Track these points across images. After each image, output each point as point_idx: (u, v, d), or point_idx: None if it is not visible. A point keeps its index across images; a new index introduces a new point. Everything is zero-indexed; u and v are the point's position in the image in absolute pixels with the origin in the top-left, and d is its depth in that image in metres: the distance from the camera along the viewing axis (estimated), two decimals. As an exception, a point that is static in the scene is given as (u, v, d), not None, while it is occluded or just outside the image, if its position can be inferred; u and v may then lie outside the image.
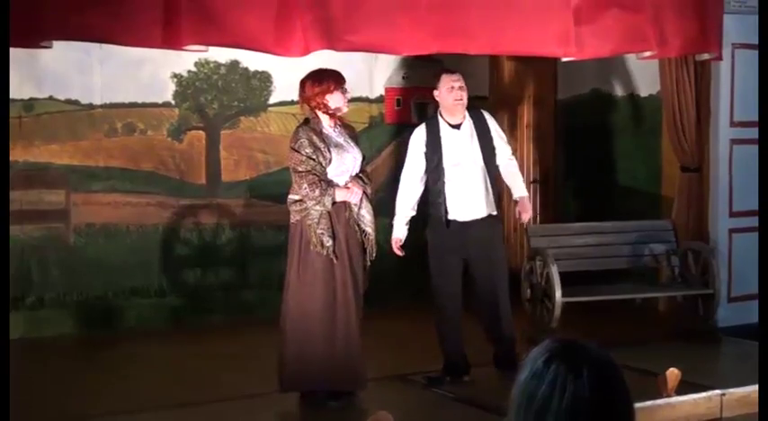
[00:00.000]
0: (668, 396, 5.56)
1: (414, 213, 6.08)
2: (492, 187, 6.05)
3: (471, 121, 6.07)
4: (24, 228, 7.42)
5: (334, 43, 5.75)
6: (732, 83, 7.57)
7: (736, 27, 7.39)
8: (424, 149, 6.03)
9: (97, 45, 6.93)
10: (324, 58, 6.00)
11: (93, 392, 6.09)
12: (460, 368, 6.18)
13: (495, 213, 6.09)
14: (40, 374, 6.49)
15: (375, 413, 4.82)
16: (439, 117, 6.09)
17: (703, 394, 5.61)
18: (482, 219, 6.03)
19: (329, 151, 5.58)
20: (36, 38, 5.42)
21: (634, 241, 7.89)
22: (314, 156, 5.54)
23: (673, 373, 5.58)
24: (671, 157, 8.05)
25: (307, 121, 5.72)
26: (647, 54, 6.90)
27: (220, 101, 8.24)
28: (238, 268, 8.34)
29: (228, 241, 8.31)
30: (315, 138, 5.58)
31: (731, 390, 5.63)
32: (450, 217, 5.99)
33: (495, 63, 9.18)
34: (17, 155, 7.37)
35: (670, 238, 7.85)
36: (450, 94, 5.98)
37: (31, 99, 7.53)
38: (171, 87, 8.04)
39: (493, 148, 6.10)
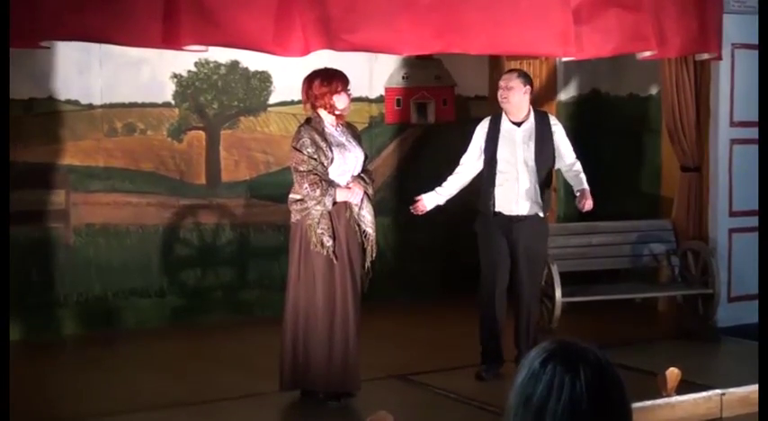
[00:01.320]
0: (668, 396, 5.56)
1: (450, 195, 6.23)
2: (541, 189, 6.17)
3: (534, 122, 6.22)
4: (24, 228, 7.41)
5: (333, 43, 5.75)
6: (732, 83, 7.57)
7: (736, 27, 7.39)
8: (483, 140, 6.22)
9: (97, 45, 6.92)
10: (323, 58, 6.00)
11: (94, 392, 6.10)
12: (496, 358, 6.21)
13: (541, 215, 6.22)
14: (40, 375, 6.49)
15: (375, 413, 4.82)
16: (503, 113, 6.24)
17: (703, 394, 5.61)
18: (527, 216, 6.16)
19: (331, 151, 5.57)
20: (35, 38, 5.42)
21: (634, 241, 7.90)
22: (315, 156, 5.53)
23: (673, 373, 5.58)
24: (671, 157, 8.05)
25: (309, 121, 5.71)
26: (647, 54, 6.90)
27: (220, 101, 8.23)
28: (238, 268, 8.34)
29: (228, 241, 8.31)
30: (317, 137, 5.57)
31: (731, 390, 5.63)
32: (497, 209, 6.13)
33: (494, 63, 9.18)
34: (17, 155, 7.35)
35: (670, 238, 7.85)
36: (498, 92, 6.23)
37: (30, 99, 7.52)
38: (171, 87, 8.03)
39: (551, 152, 6.24)
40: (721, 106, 7.59)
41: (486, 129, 6.23)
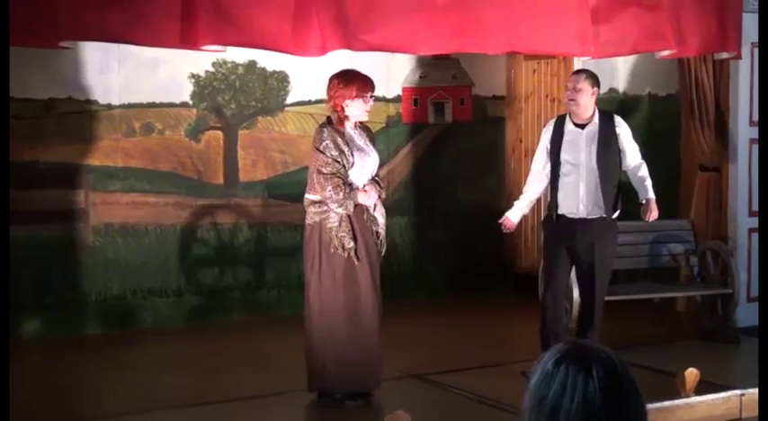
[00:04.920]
0: (687, 396, 5.53)
1: (531, 204, 6.37)
2: (607, 191, 6.09)
3: (598, 124, 6.15)
4: (44, 227, 7.45)
5: (350, 43, 5.75)
6: (751, 82, 7.52)
7: (756, 26, 7.33)
8: (548, 144, 6.20)
9: (115, 45, 6.95)
10: (341, 58, 6.00)
11: (111, 391, 6.12)
12: None
13: (605, 216, 6.12)
14: (59, 373, 6.52)
15: (392, 412, 4.83)
16: (568, 115, 6.21)
17: (722, 394, 5.58)
18: (590, 219, 6.11)
19: (352, 155, 5.59)
20: (55, 38, 5.45)
21: (653, 241, 7.85)
22: (339, 159, 5.55)
23: (691, 373, 5.56)
24: (690, 157, 8.02)
25: (329, 121, 5.72)
26: (666, 53, 6.86)
27: (238, 101, 8.25)
28: (256, 268, 8.35)
29: (246, 241, 8.32)
30: (339, 140, 5.59)
31: (750, 391, 5.58)
32: (560, 211, 6.12)
33: (512, 62, 9.16)
34: (37, 154, 7.41)
35: (689, 238, 7.80)
36: (565, 93, 6.23)
37: (50, 99, 7.56)
38: (188, 87, 8.06)
39: (615, 153, 6.17)
40: (741, 105, 7.56)
41: (550, 133, 6.20)
